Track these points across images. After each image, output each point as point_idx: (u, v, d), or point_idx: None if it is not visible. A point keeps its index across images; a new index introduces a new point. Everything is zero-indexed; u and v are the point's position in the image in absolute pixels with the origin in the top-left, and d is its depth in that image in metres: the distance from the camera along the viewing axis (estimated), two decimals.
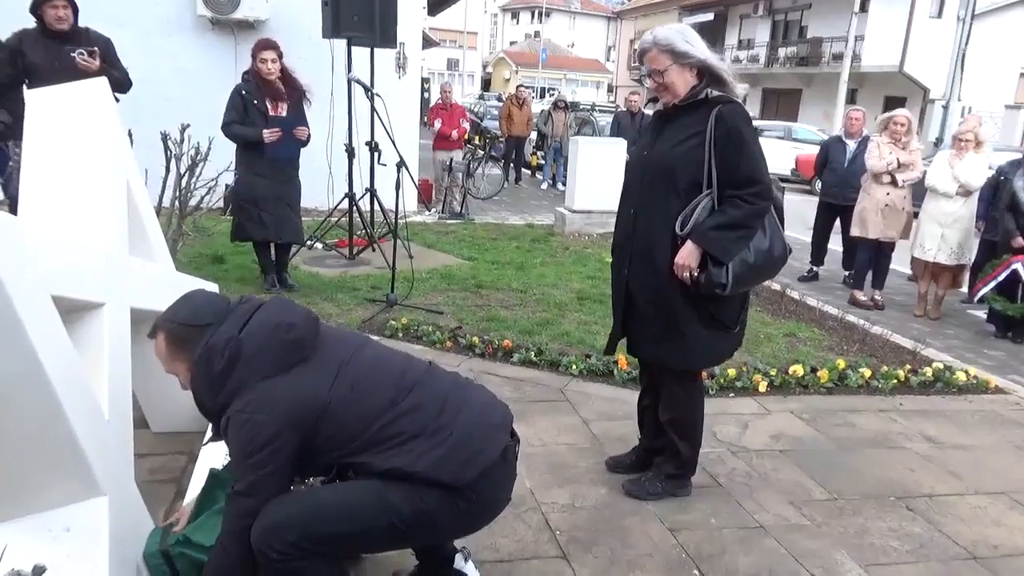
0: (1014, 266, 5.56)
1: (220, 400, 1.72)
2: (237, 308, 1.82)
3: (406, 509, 1.75)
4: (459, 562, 2.21)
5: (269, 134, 4.79)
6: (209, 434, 2.59)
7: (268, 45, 4.87)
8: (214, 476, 2.08)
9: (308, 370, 1.76)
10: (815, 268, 7.48)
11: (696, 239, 2.53)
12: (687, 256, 2.53)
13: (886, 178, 6.16)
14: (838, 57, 23.89)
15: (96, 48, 4.46)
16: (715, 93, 2.55)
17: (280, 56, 4.89)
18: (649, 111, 2.90)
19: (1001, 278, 5.63)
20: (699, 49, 2.56)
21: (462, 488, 1.76)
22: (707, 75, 2.57)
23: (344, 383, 1.76)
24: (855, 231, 6.48)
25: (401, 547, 1.90)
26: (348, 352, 1.84)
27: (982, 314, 6.15)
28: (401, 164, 6.26)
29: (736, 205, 2.52)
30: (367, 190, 6.55)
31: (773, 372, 4.23)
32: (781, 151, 17.81)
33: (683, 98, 2.58)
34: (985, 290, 5.72)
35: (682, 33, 2.59)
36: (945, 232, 6.03)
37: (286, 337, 1.75)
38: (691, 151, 2.55)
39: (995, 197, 6.05)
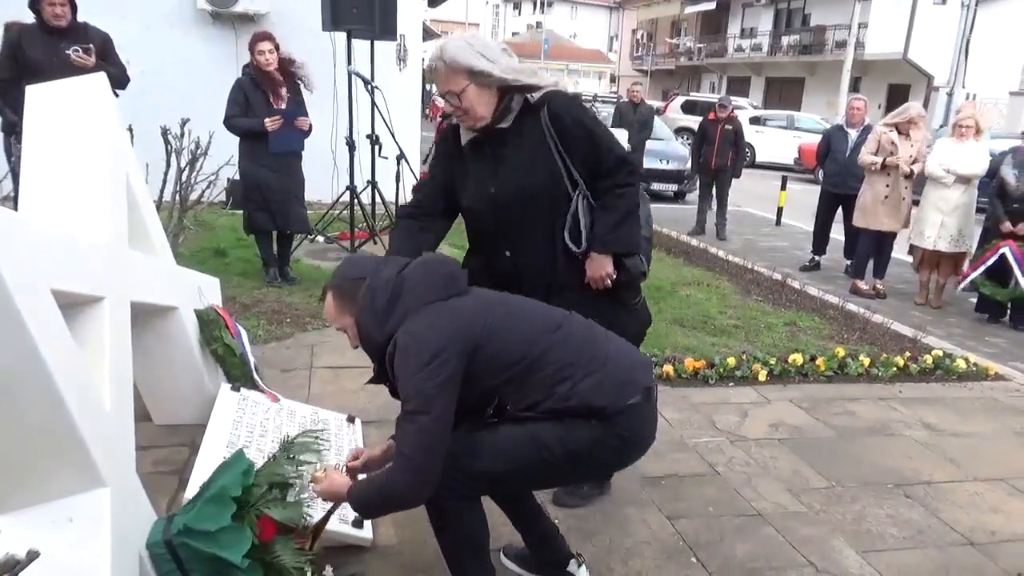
0: (1002, 250, 5.57)
1: (387, 329, 1.85)
2: (390, 261, 2.02)
3: (557, 448, 1.85)
4: (572, 567, 2.23)
5: (270, 122, 4.82)
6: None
7: (264, 36, 4.91)
8: (224, 465, 2.10)
9: (466, 300, 1.92)
10: (817, 257, 7.48)
11: (600, 248, 2.38)
12: (599, 267, 2.40)
13: (885, 169, 6.16)
14: (841, 45, 23.80)
15: (91, 45, 4.48)
16: (535, 96, 2.30)
17: (277, 47, 4.91)
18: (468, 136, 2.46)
19: (990, 263, 5.65)
20: (500, 64, 2.24)
21: (613, 417, 1.84)
22: (512, 89, 2.30)
23: (499, 314, 1.90)
24: (857, 220, 6.49)
25: (558, 484, 1.98)
26: (497, 295, 2.01)
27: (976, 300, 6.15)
28: (401, 156, 6.29)
29: (617, 195, 2.38)
30: (368, 183, 6.56)
31: (773, 361, 4.24)
32: (784, 140, 17.82)
33: (494, 120, 2.30)
34: (974, 275, 5.75)
35: (473, 46, 2.24)
36: (945, 219, 6.03)
37: (442, 271, 1.95)
38: (545, 167, 2.33)
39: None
